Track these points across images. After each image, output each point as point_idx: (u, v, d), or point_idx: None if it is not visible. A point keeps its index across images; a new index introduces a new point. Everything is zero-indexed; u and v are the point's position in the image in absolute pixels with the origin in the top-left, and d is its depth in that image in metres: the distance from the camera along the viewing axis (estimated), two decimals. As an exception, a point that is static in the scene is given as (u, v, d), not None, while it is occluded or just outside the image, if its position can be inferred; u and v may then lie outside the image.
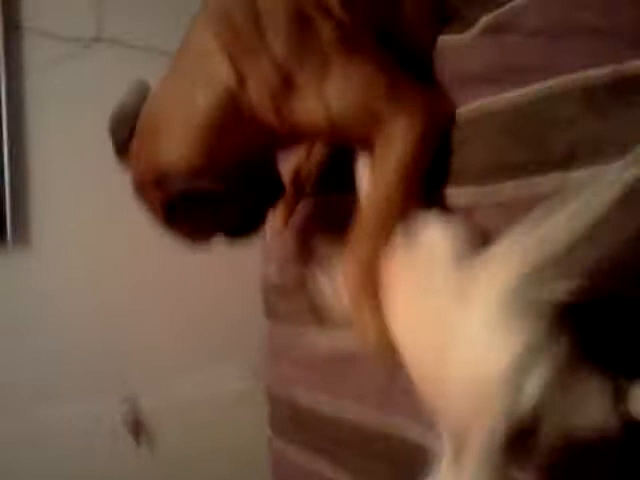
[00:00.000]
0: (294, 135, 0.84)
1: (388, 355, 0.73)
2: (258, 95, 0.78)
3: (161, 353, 2.01)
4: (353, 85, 0.76)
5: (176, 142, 0.79)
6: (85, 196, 1.93)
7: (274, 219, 1.10)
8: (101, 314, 1.96)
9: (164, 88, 0.85)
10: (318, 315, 1.03)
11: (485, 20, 0.74)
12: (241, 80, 0.77)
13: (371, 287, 0.75)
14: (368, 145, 0.79)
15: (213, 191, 0.83)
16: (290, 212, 1.08)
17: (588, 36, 0.63)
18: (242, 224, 0.95)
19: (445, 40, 0.80)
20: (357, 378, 0.97)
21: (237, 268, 2.15)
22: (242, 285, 2.21)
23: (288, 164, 1.07)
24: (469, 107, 0.77)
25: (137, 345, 1.99)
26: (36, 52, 1.88)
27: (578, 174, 0.64)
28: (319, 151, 1.05)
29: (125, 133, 0.88)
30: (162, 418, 1.98)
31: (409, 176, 0.75)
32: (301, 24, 0.76)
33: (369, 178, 0.80)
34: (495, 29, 0.73)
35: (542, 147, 0.68)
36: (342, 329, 0.98)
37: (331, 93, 0.76)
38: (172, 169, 0.79)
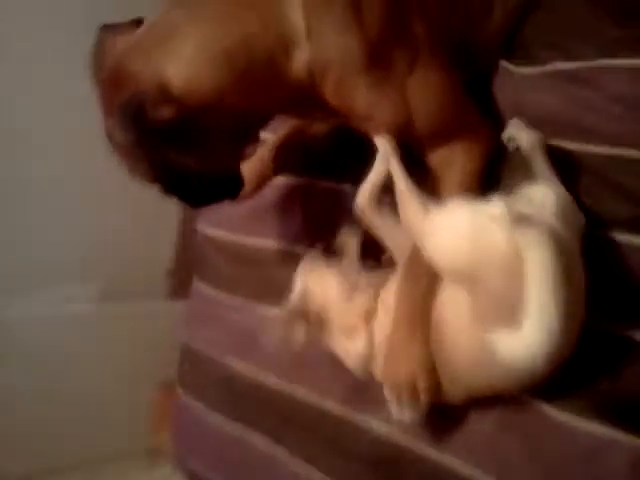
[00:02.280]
0: (336, 113, 0.79)
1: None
2: (323, 64, 0.71)
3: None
4: (433, 92, 0.74)
5: (198, 62, 0.67)
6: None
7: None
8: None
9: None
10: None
11: (561, 65, 0.77)
12: (309, 36, 0.70)
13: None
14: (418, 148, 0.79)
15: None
16: (261, 184, 0.99)
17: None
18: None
19: (507, 68, 0.81)
20: (316, 369, 0.96)
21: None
22: (100, 210, 2.03)
23: (273, 138, 0.99)
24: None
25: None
26: None
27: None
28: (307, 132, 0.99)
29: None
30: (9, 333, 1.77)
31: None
32: (399, 15, 0.71)
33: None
34: (569, 78, 0.76)
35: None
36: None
37: (413, 91, 0.73)
38: (184, 90, 0.67)
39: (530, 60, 0.80)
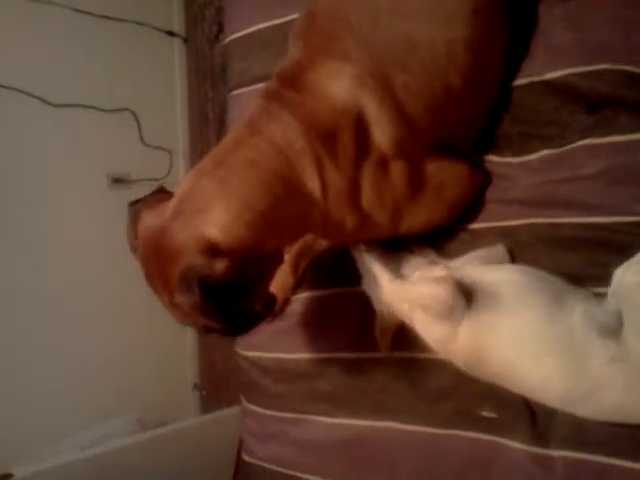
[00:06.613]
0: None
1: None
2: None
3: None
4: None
5: (239, 225, 0.75)
6: None
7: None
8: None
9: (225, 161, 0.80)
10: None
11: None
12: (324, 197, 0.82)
13: None
14: None
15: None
16: (289, 297, 1.11)
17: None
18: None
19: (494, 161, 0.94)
20: (379, 461, 1.04)
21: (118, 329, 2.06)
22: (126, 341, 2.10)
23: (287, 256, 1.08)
24: (514, 223, 0.91)
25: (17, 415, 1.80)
26: None
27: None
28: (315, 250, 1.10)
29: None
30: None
31: None
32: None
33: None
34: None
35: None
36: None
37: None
38: (230, 245, 0.75)
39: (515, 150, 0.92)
